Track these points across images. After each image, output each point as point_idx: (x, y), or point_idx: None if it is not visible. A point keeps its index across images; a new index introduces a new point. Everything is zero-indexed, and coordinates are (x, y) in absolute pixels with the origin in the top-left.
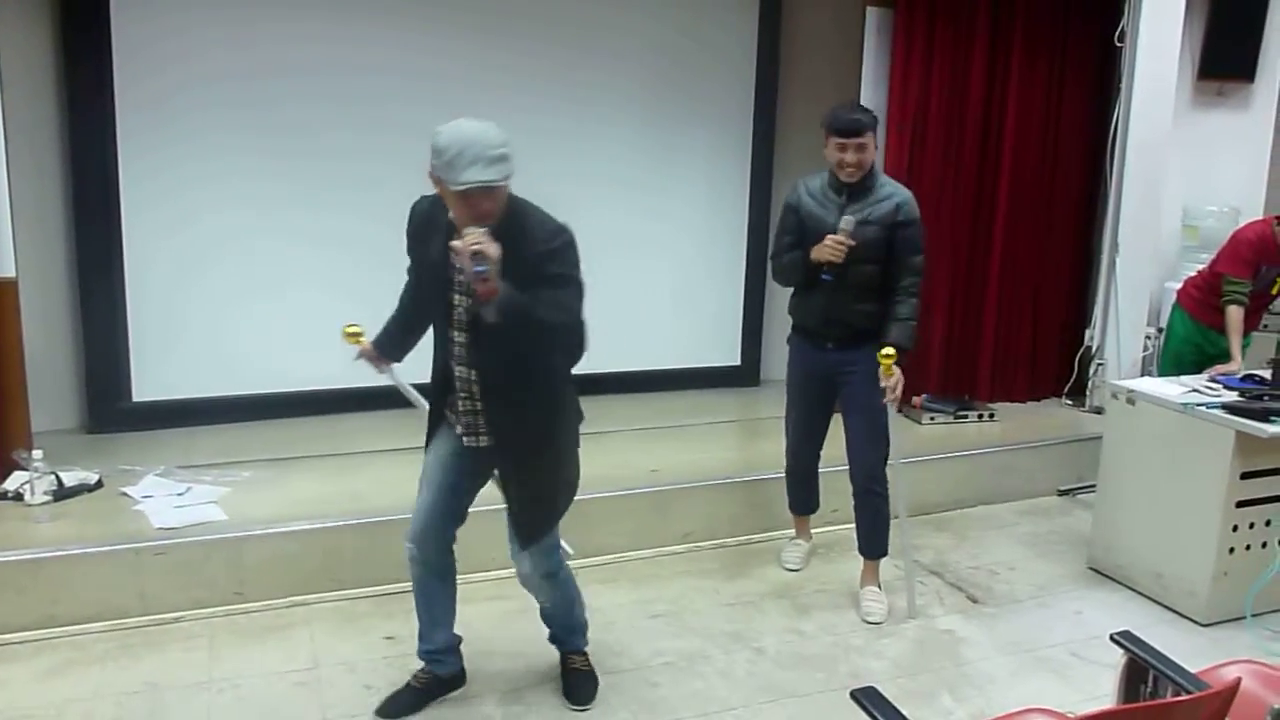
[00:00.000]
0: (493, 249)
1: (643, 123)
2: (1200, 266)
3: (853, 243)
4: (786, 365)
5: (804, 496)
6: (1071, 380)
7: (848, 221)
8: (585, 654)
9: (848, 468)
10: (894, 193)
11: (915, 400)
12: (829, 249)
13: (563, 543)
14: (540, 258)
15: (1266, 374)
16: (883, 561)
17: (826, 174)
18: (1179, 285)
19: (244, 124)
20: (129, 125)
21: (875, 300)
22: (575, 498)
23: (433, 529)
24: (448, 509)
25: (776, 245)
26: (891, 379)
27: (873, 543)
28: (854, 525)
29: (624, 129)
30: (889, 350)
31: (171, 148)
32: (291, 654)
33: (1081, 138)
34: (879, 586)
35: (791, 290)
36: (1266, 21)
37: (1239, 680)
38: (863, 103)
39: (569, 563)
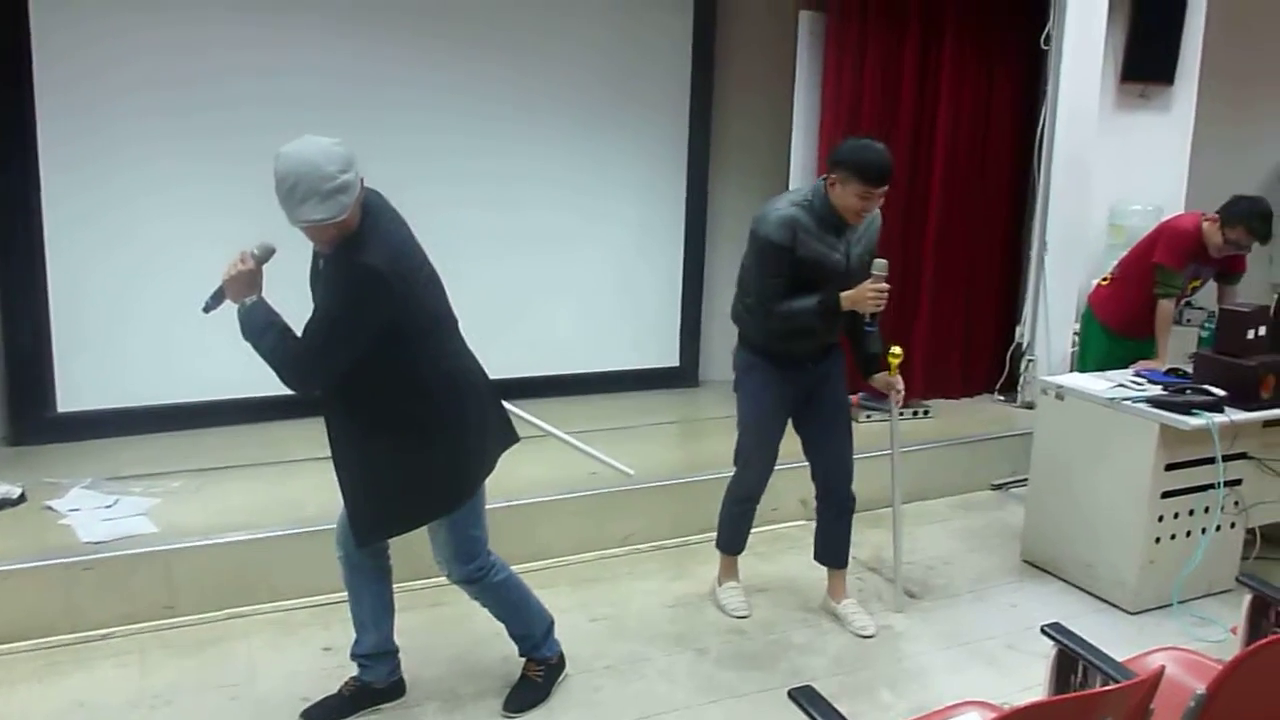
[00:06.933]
0: (235, 271)
1: (579, 124)
2: (1107, 275)
3: (889, 286)
4: (750, 394)
5: (746, 532)
6: (1004, 376)
7: (882, 266)
8: (543, 662)
9: (822, 478)
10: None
11: (853, 398)
12: (872, 299)
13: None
14: (328, 283)
15: (1189, 368)
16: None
17: (811, 205)
18: (1089, 292)
19: (173, 131)
20: (51, 135)
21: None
22: (454, 508)
23: (343, 528)
24: None
25: (768, 290)
26: (898, 378)
27: (844, 552)
28: (821, 536)
29: (560, 131)
30: (899, 350)
31: (98, 157)
32: (226, 668)
33: (1010, 139)
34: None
35: (749, 316)
36: (1184, 26)
37: (1163, 668)
38: (795, 105)
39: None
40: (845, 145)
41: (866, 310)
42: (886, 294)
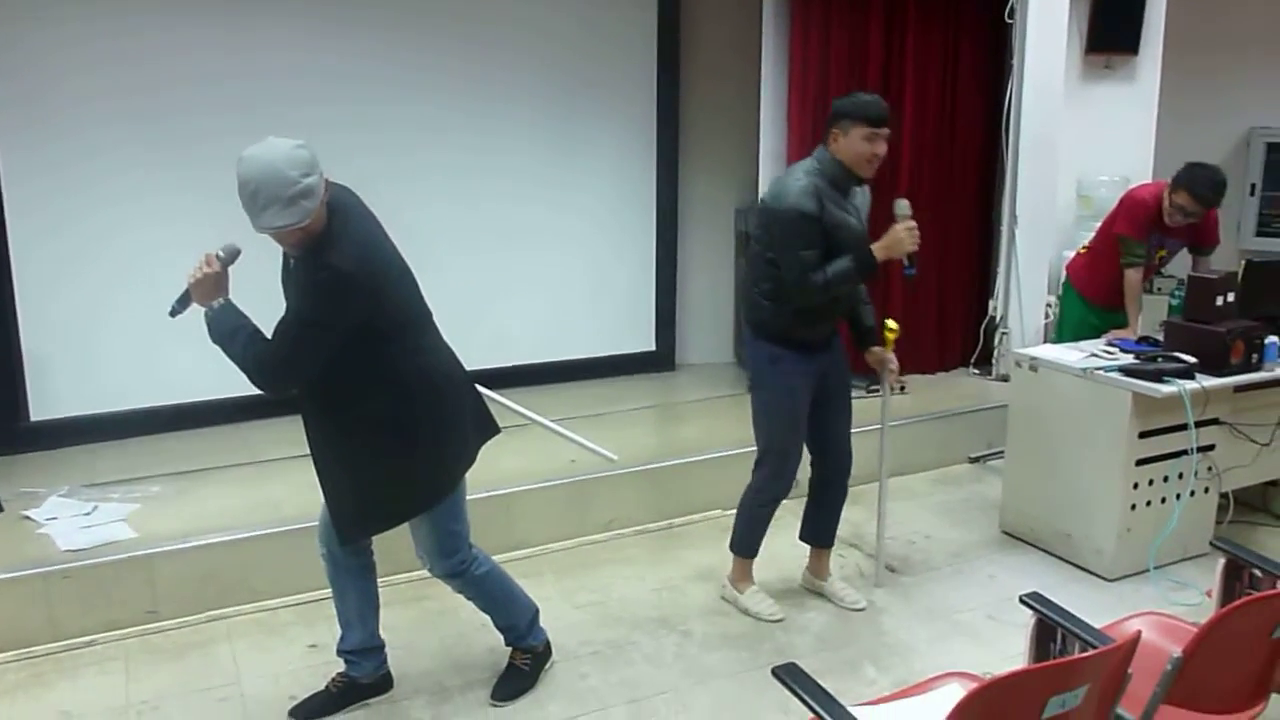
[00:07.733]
0: (200, 274)
1: (547, 115)
2: (1084, 244)
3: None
4: (779, 386)
5: (764, 533)
6: (978, 350)
7: (904, 206)
8: (529, 651)
9: (826, 462)
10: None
11: None
12: (909, 239)
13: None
14: (299, 285)
15: (1160, 336)
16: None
17: (821, 171)
18: (1068, 260)
19: (137, 138)
20: (10, 143)
21: None
22: (429, 502)
23: (325, 526)
24: None
25: (803, 264)
26: (892, 355)
27: (834, 532)
28: (815, 516)
29: (528, 123)
30: (894, 324)
31: (62, 168)
32: (212, 670)
33: (978, 113)
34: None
35: (770, 303)
36: None
37: (1139, 633)
38: (762, 85)
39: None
40: (839, 101)
41: (905, 250)
42: (916, 229)
